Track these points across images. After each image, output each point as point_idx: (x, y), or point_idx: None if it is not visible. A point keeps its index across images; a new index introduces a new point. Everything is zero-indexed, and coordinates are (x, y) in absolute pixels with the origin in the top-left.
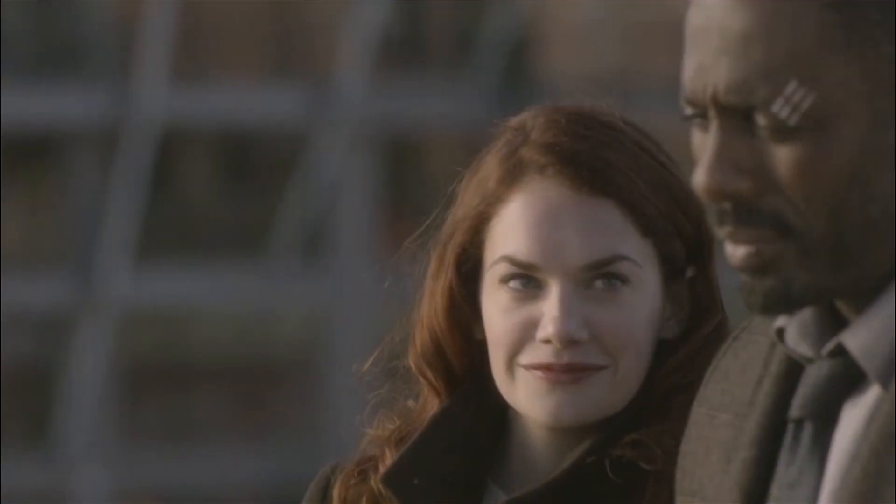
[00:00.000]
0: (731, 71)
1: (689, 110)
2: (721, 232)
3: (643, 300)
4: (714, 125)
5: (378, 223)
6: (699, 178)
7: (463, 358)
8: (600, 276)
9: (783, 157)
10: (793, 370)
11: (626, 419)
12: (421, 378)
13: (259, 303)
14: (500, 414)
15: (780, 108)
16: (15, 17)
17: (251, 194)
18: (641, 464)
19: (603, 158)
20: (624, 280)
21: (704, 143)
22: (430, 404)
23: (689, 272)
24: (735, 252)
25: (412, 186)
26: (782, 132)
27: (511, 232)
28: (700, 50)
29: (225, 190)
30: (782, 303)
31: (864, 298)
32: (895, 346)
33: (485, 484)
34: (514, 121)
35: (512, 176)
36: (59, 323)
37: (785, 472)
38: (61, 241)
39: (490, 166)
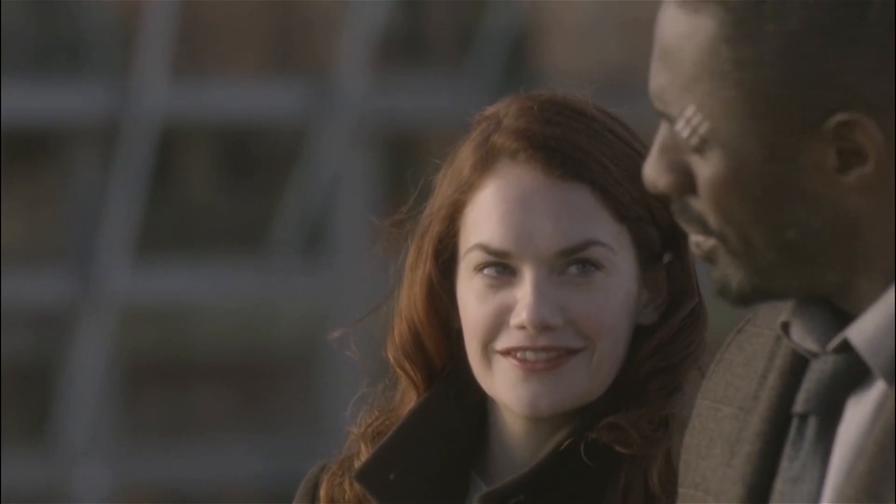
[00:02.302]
0: (656, 78)
1: None
2: (678, 220)
3: (618, 285)
4: (662, 122)
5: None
6: (643, 170)
7: (442, 349)
8: (574, 261)
9: (697, 169)
10: (798, 364)
11: (604, 406)
12: (399, 371)
13: (259, 299)
14: (480, 406)
15: (682, 128)
16: (15, 12)
17: (251, 190)
18: (617, 447)
19: (575, 144)
20: (598, 265)
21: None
22: (408, 398)
23: (666, 258)
24: (691, 240)
25: (412, 182)
26: (690, 147)
27: (484, 219)
28: (654, 50)
29: (225, 186)
30: (727, 295)
31: (866, 295)
32: None
33: (468, 477)
34: (489, 110)
35: (485, 163)
36: (59, 319)
37: (788, 466)
38: (61, 237)
39: (464, 154)
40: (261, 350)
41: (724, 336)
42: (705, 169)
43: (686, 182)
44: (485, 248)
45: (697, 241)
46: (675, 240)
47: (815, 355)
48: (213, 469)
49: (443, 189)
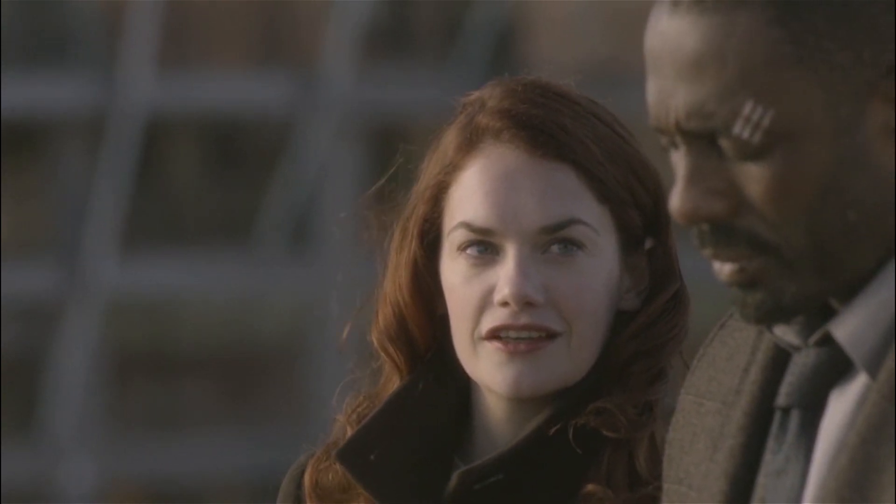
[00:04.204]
0: (687, 96)
1: (662, 140)
2: (704, 252)
3: (600, 267)
4: (683, 150)
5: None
6: (673, 203)
7: (426, 332)
8: (557, 240)
9: (753, 175)
10: (780, 358)
11: (585, 389)
12: (382, 354)
13: (246, 291)
14: (463, 390)
15: (742, 129)
16: (1, 6)
17: (238, 183)
18: (605, 431)
19: (559, 124)
20: (580, 245)
21: (677, 165)
22: (391, 382)
23: (648, 244)
24: (721, 269)
25: (398, 175)
26: (748, 152)
27: (468, 198)
28: (658, 75)
29: (211, 179)
30: (775, 313)
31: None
32: (882, 334)
33: (451, 461)
34: (473, 95)
35: (469, 143)
36: (46, 312)
37: (772, 459)
38: (48, 229)
39: (449, 137)
40: (248, 342)
41: (708, 331)
42: (765, 170)
43: (733, 202)
44: (468, 226)
45: (741, 266)
46: (657, 225)
47: (796, 349)
48: (201, 461)
49: (427, 171)
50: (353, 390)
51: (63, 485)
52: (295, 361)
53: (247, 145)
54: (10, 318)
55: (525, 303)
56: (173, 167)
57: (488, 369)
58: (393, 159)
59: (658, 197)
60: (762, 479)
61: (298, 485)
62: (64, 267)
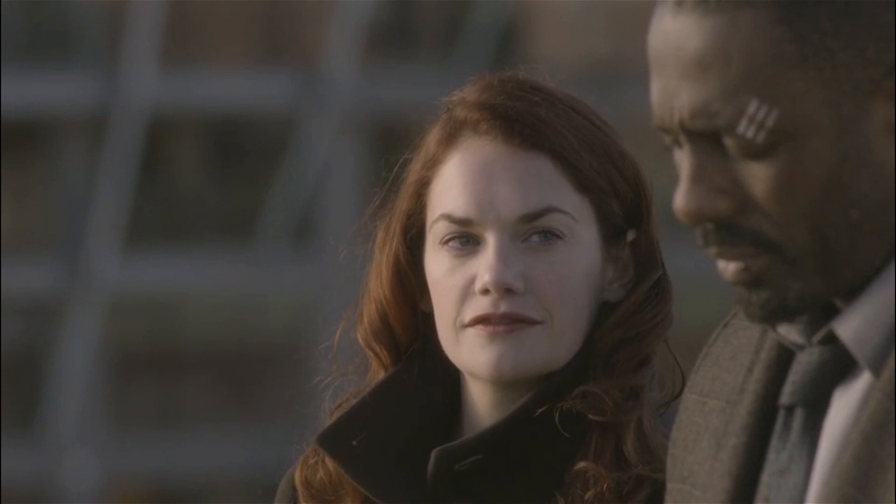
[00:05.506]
0: (692, 96)
1: (666, 139)
2: (709, 252)
3: (580, 256)
4: (687, 149)
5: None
6: (677, 202)
7: (408, 327)
8: (536, 230)
9: (757, 174)
10: (783, 357)
11: (569, 374)
12: (368, 352)
13: (248, 289)
14: (452, 387)
15: (746, 129)
16: (4, 3)
17: (240, 180)
18: (591, 415)
19: (535, 114)
20: (559, 235)
21: (681, 164)
22: (377, 379)
23: (630, 236)
24: (726, 268)
25: (401, 173)
26: (753, 151)
27: (448, 190)
28: (662, 75)
29: (214, 176)
30: (780, 312)
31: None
32: (886, 333)
33: None
34: (455, 93)
35: (449, 137)
36: (48, 309)
37: (775, 458)
38: (50, 227)
39: (431, 134)
40: (250, 340)
41: (709, 330)
42: (768, 168)
43: (737, 201)
44: (449, 218)
45: (746, 265)
46: (639, 215)
47: (800, 347)
48: (202, 459)
49: (412, 170)
50: (343, 390)
51: (64, 482)
52: (296, 359)
53: (249, 143)
54: (11, 315)
55: (505, 289)
56: (175, 165)
57: (470, 352)
58: (393, 159)
59: (638, 187)
60: (766, 478)
61: (294, 485)
62: (66, 264)
